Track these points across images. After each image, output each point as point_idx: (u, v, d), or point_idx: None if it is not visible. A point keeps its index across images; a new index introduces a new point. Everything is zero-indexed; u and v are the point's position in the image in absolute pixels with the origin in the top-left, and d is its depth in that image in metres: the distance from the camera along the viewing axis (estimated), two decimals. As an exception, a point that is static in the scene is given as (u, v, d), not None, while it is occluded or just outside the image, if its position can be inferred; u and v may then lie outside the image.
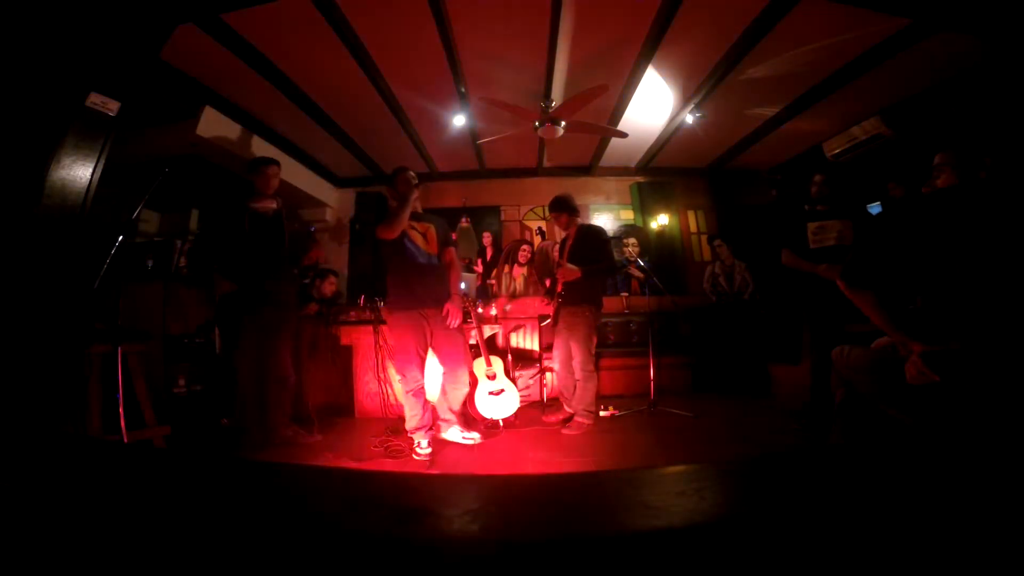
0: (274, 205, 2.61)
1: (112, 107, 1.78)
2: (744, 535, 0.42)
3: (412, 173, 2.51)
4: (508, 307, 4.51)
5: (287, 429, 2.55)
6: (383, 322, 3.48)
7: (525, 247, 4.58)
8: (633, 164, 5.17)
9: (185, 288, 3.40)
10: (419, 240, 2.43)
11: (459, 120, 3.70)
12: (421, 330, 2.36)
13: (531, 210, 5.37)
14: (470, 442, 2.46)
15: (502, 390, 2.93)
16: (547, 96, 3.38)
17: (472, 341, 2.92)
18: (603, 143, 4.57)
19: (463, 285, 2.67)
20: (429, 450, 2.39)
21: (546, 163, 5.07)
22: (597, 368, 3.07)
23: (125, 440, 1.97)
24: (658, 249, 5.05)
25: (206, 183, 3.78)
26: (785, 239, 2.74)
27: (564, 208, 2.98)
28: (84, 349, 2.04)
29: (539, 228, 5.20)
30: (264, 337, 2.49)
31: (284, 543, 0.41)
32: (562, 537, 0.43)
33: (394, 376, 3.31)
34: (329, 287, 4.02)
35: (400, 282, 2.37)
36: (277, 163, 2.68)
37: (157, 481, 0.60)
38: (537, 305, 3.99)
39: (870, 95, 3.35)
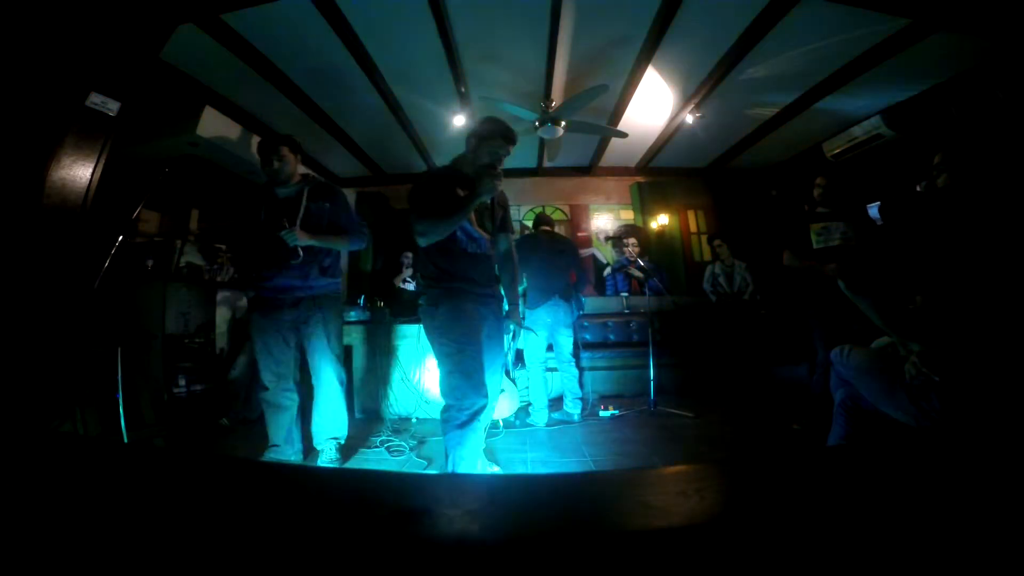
0: (292, 190, 2.22)
1: (112, 107, 1.78)
2: (744, 535, 0.43)
3: (505, 147, 1.78)
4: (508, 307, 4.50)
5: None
6: (383, 321, 3.48)
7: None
8: (633, 164, 5.16)
9: (185, 288, 3.40)
10: (473, 219, 1.83)
11: (459, 120, 3.70)
12: (473, 319, 1.79)
13: (531, 210, 5.36)
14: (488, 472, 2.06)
15: (502, 390, 2.93)
16: (547, 96, 3.38)
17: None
18: (603, 143, 4.57)
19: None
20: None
21: (546, 163, 5.06)
22: (579, 365, 3.52)
23: (125, 440, 1.98)
24: (658, 249, 5.05)
25: (206, 183, 3.78)
26: (787, 240, 2.74)
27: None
28: (84, 349, 2.04)
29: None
30: (304, 339, 2.21)
31: (283, 543, 0.41)
32: (562, 537, 0.43)
33: (393, 377, 3.31)
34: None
35: (444, 265, 1.81)
36: (279, 143, 2.19)
37: (157, 481, 0.60)
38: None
39: (870, 95, 3.35)
